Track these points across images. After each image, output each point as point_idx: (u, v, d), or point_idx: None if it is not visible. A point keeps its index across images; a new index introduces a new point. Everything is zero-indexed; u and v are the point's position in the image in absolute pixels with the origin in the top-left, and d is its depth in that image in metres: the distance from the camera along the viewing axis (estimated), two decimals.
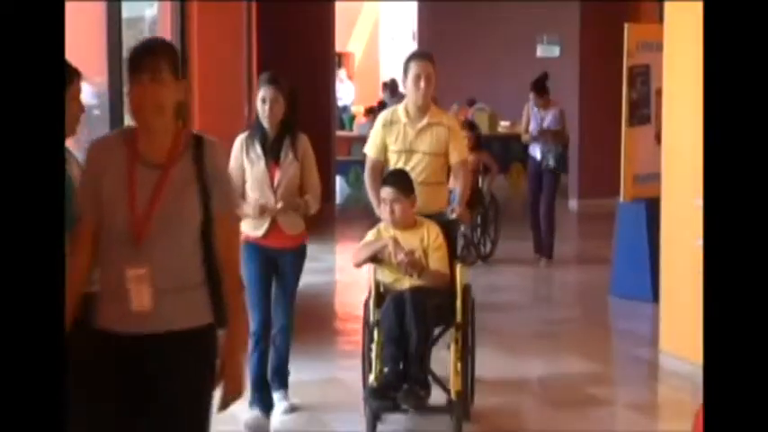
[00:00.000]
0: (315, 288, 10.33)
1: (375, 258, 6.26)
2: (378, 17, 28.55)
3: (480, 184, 11.34)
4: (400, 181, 6.24)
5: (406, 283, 6.14)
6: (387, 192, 6.19)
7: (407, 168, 6.51)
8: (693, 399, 6.16)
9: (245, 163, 6.18)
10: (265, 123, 6.14)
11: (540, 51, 21.76)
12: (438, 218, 6.44)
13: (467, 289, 6.31)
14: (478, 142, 11.34)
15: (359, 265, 6.34)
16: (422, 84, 6.51)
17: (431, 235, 6.22)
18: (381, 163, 6.70)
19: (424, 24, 22.62)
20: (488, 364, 7.56)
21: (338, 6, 17.53)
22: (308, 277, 10.59)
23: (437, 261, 6.20)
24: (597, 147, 15.04)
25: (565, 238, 14.12)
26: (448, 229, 6.45)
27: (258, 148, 6.17)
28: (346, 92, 23.58)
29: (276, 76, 6.22)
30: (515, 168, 17.74)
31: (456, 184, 6.74)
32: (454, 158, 6.65)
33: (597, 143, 15.07)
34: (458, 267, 6.31)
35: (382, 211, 6.27)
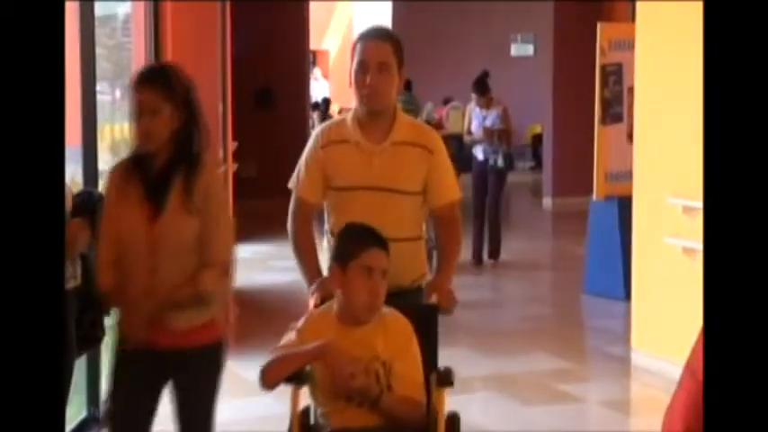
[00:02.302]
0: (290, 286, 10.36)
1: (301, 375, 3.80)
2: (352, 14, 28.57)
3: None
4: (383, 240, 3.87)
5: (354, 417, 3.77)
6: (374, 256, 3.79)
7: (365, 219, 4.05)
8: (665, 395, 6.22)
9: (120, 207, 3.90)
10: (143, 146, 3.86)
11: (515, 50, 21.87)
12: (409, 299, 4.20)
13: (454, 424, 3.99)
14: None
15: (273, 384, 3.78)
16: (368, 78, 4.14)
17: (399, 335, 3.84)
18: (315, 209, 4.39)
19: (399, 22, 22.66)
20: (458, 361, 7.62)
21: (312, 4, 17.57)
22: (276, 276, 10.69)
23: (407, 381, 3.81)
24: (571, 145, 15.12)
25: (538, 237, 14.23)
26: (422, 322, 4.01)
27: (138, 186, 3.85)
28: (321, 90, 23.60)
29: (160, 71, 3.98)
30: None
31: (442, 245, 4.51)
32: (438, 200, 4.33)
33: (571, 141, 15.15)
34: (441, 390, 3.93)
35: (355, 292, 3.78)
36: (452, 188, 4.41)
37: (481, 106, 11.33)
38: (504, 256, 11.55)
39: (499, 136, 11.28)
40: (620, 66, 9.63)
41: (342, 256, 3.84)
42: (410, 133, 4.26)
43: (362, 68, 4.15)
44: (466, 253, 11.35)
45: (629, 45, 8.40)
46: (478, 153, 11.41)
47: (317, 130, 4.40)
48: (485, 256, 11.51)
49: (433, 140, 4.33)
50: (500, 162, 11.29)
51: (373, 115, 4.22)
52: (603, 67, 9.65)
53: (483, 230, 11.46)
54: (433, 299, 4.18)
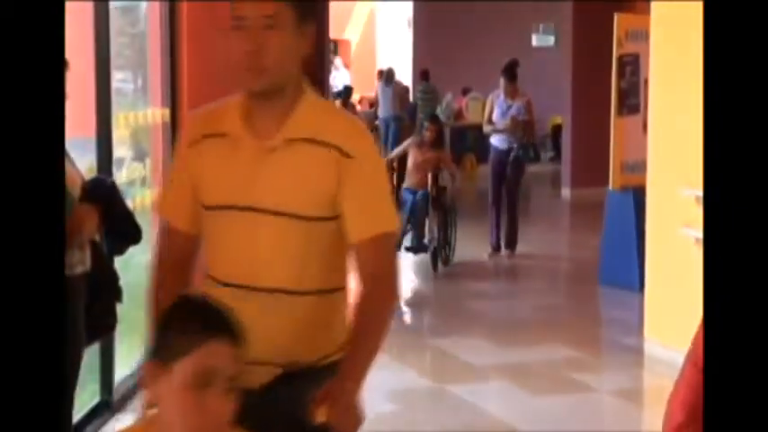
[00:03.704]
0: None
1: None
2: (374, 4, 28.57)
3: (441, 182, 10.72)
4: (234, 327, 2.29)
5: None
6: (216, 354, 2.22)
7: (243, 257, 2.76)
8: None
9: None
10: None
11: (536, 41, 21.84)
12: (316, 383, 2.63)
13: None
14: (440, 138, 10.86)
15: None
16: (249, 41, 2.69)
17: None
18: (190, 239, 2.89)
19: (420, 12, 22.68)
20: (472, 350, 7.68)
21: None
22: None
23: None
24: (590, 136, 15.08)
25: (556, 227, 14.25)
26: None
27: None
28: (342, 80, 23.64)
29: None
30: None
31: (357, 317, 2.74)
32: (354, 233, 2.75)
33: (590, 133, 15.11)
34: None
35: (181, 414, 2.21)
36: (380, 216, 2.76)
37: (507, 94, 11.11)
38: (521, 246, 11.54)
39: (524, 127, 11.18)
40: (636, 56, 9.61)
41: (162, 350, 2.27)
42: (318, 125, 2.74)
43: (240, 27, 2.70)
44: (485, 243, 11.38)
45: (646, 36, 8.36)
46: (499, 142, 11.23)
47: (190, 118, 3.12)
48: (502, 245, 11.44)
49: (355, 136, 2.78)
50: (521, 153, 11.16)
51: (262, 97, 2.75)
52: (620, 58, 9.63)
53: (500, 220, 11.35)
54: (322, 413, 2.54)
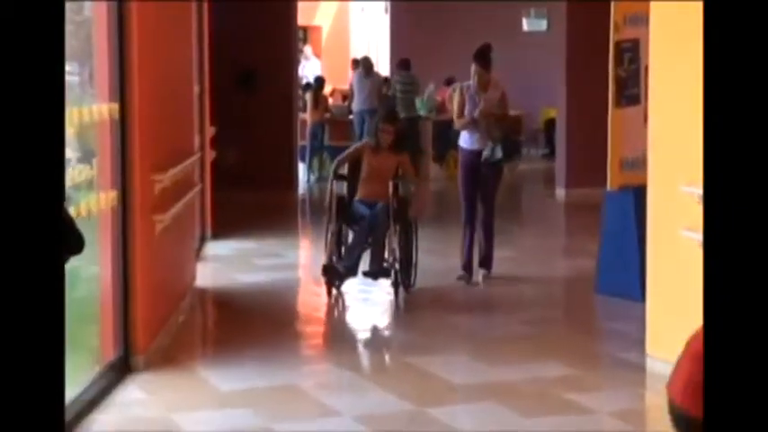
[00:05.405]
0: (275, 286, 10.43)
1: None
2: None
3: (402, 191, 10.07)
4: None
5: None
6: None
7: None
8: None
9: None
10: None
11: (527, 25, 21.91)
12: None
13: None
14: (400, 140, 10.14)
15: None
16: None
17: None
18: None
19: None
20: (456, 368, 7.67)
21: None
22: (269, 274, 10.77)
23: None
24: (586, 131, 15.04)
25: (549, 231, 14.26)
26: None
27: None
28: (313, 70, 23.62)
29: None
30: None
31: None
32: None
33: (586, 127, 15.08)
34: None
35: None
36: None
37: (480, 85, 10.39)
38: (510, 252, 11.54)
39: (499, 122, 10.47)
40: (636, 42, 9.59)
41: None
42: None
43: None
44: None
45: (647, 20, 8.33)
46: (468, 143, 10.46)
47: None
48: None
49: None
50: (498, 153, 10.33)
51: None
52: (618, 44, 9.62)
53: (474, 238, 10.51)
54: None
